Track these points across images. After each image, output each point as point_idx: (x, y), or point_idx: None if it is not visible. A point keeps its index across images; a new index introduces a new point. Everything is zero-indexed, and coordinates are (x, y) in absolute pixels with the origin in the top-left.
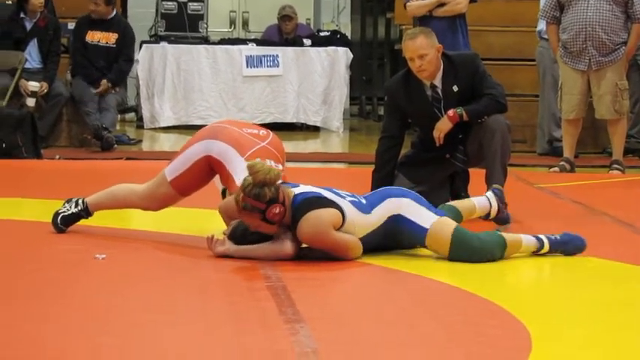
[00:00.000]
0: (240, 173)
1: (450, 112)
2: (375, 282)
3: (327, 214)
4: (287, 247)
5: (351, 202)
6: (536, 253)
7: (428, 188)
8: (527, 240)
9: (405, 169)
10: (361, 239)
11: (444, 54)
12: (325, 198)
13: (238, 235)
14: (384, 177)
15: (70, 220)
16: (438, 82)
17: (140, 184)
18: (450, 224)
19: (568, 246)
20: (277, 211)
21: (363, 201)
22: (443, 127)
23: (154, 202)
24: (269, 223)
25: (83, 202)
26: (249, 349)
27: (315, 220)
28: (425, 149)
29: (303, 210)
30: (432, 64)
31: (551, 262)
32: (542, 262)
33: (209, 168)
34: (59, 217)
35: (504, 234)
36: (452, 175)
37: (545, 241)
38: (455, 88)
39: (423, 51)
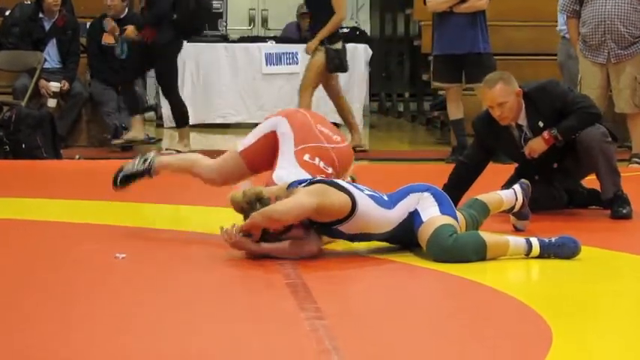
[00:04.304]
0: (282, 165)
1: (546, 135)
2: (395, 279)
3: (334, 194)
4: (310, 245)
5: (370, 196)
6: (527, 256)
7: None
8: (516, 243)
9: None
10: (386, 234)
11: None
12: (337, 183)
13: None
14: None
15: (132, 177)
16: (522, 121)
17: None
18: (438, 222)
19: (562, 249)
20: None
21: (385, 197)
22: (537, 147)
23: (220, 176)
24: (282, 233)
25: (152, 160)
26: (270, 347)
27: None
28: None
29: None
30: (512, 110)
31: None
32: None
33: (274, 144)
34: (121, 175)
35: (488, 235)
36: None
37: (536, 244)
38: (540, 124)
39: (502, 99)
